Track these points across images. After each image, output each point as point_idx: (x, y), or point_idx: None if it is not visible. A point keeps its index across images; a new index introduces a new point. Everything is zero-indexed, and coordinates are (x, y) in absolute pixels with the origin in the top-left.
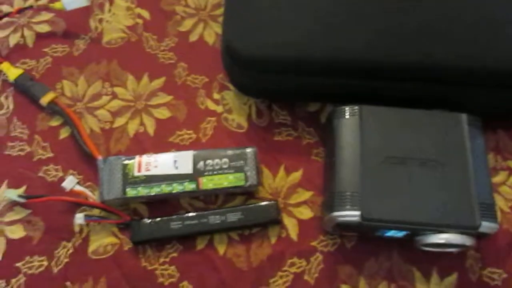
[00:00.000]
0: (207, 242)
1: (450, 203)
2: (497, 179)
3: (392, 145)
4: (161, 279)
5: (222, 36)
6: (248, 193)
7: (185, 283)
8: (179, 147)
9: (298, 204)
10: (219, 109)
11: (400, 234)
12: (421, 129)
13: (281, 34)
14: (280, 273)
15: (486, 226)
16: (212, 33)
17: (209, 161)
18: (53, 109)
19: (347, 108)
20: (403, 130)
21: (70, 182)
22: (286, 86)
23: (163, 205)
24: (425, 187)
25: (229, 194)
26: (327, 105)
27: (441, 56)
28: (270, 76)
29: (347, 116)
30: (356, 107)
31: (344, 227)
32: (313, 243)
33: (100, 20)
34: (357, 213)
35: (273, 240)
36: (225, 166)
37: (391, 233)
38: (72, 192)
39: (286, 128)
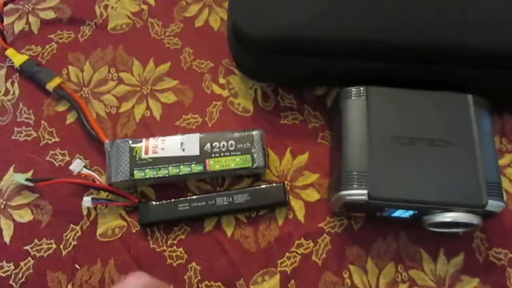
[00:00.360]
0: (214, 224)
1: (457, 182)
2: (502, 161)
3: (399, 125)
4: (169, 261)
5: (228, 18)
6: (254, 176)
7: (193, 264)
8: (185, 131)
9: (304, 187)
10: (225, 93)
11: (407, 214)
12: (428, 110)
13: (287, 15)
14: (287, 254)
15: (493, 204)
16: (217, 19)
17: (215, 143)
18: (59, 94)
19: (353, 89)
20: (410, 110)
21: (77, 165)
22: (292, 68)
23: (170, 188)
24: (432, 167)
25: (236, 176)
26: (333, 89)
27: (450, 37)
28: (276, 58)
29: (353, 97)
30: (363, 88)
31: (352, 207)
32: (321, 225)
33: (106, 7)
34: (364, 192)
35: (280, 222)
36: (231, 148)
37: (398, 213)
38: (79, 175)
39: (292, 112)
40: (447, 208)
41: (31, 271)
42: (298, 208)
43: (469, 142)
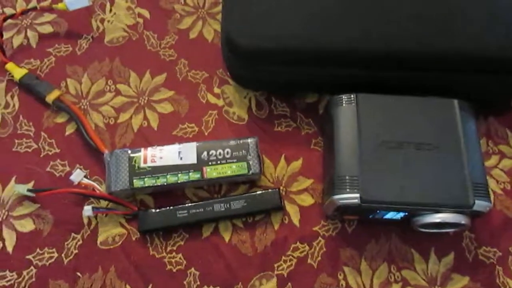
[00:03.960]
0: (212, 230)
1: (445, 184)
2: (489, 162)
3: (388, 130)
4: (169, 267)
5: (222, 29)
6: (250, 182)
7: (192, 269)
8: (182, 140)
9: (299, 192)
10: (220, 102)
11: (398, 216)
12: (416, 115)
13: (278, 26)
14: (284, 258)
15: (480, 204)
16: (211, 30)
17: (212, 152)
18: (58, 106)
19: (344, 97)
20: (398, 116)
21: (78, 175)
22: (284, 77)
23: (168, 196)
24: (421, 169)
25: (232, 183)
26: (324, 96)
27: (433, 45)
28: (269, 67)
29: (344, 104)
30: (353, 95)
31: (344, 210)
32: (315, 228)
33: (102, 20)
34: (357, 195)
35: (276, 227)
36: (228, 156)
37: (390, 215)
38: (80, 185)
39: (286, 119)
40: (436, 209)
41: (33, 279)
42: (293, 213)
43: (455, 145)
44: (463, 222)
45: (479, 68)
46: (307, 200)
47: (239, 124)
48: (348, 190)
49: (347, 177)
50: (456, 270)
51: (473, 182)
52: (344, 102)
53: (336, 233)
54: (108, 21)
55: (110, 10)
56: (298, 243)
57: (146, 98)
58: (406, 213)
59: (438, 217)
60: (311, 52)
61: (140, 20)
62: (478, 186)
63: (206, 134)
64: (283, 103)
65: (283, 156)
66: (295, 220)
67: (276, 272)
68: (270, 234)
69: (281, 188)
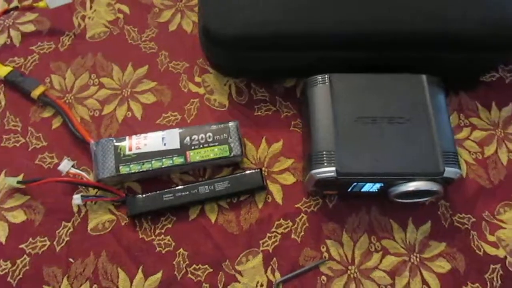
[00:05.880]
0: (199, 212)
1: (416, 154)
2: (461, 134)
3: (362, 106)
4: (158, 249)
5: (199, 20)
6: (233, 165)
7: (181, 250)
8: (166, 128)
9: (281, 172)
10: (201, 91)
11: (375, 188)
12: (387, 91)
13: (252, 14)
14: (268, 234)
15: (450, 171)
16: (189, 22)
17: (194, 136)
18: (44, 101)
19: (318, 77)
20: (370, 93)
21: (65, 165)
22: (261, 63)
23: (155, 182)
24: (394, 142)
25: (216, 166)
26: (301, 80)
27: (402, 25)
28: (246, 54)
29: (318, 85)
30: (326, 76)
31: (323, 185)
32: (298, 205)
33: (83, 17)
34: (333, 169)
35: (260, 205)
36: (210, 140)
37: (367, 188)
38: (68, 175)
39: (265, 104)
40: (409, 178)
41: (27, 267)
42: (276, 192)
43: (425, 117)
44: (435, 189)
45: (446, 46)
46: (289, 179)
47: (221, 111)
48: (325, 164)
49: (324, 153)
50: (433, 237)
51: (443, 151)
52: (318, 82)
53: (317, 209)
54: (89, 17)
55: (91, 7)
56: (281, 220)
57: (129, 90)
58: (382, 184)
59: (411, 186)
60: (286, 37)
61: (120, 16)
62: (448, 155)
63: (188, 121)
64: (262, 89)
65: (264, 138)
66: (278, 198)
67: (261, 248)
68: (255, 213)
69: (264, 168)
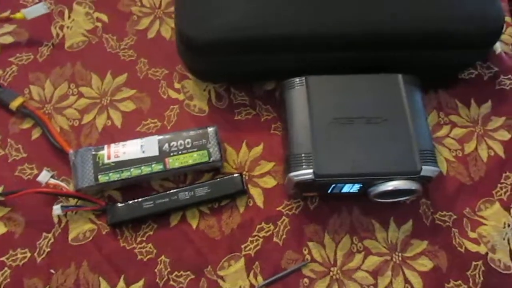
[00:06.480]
0: (180, 218)
1: (394, 153)
2: (441, 132)
3: (339, 107)
4: (140, 257)
5: (175, 27)
6: (214, 170)
7: (162, 257)
8: (146, 136)
9: (262, 175)
10: (181, 97)
11: (355, 188)
12: (364, 91)
13: (227, 18)
14: (250, 239)
15: (427, 170)
16: (168, 29)
17: (173, 143)
18: (23, 112)
19: (294, 80)
20: (347, 94)
21: (44, 176)
22: (239, 67)
23: (135, 189)
24: (371, 142)
25: (197, 172)
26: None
27: (382, 24)
28: (222, 58)
29: (294, 87)
30: (303, 78)
31: (302, 187)
32: (279, 208)
33: (61, 27)
34: (310, 171)
35: (242, 210)
36: (188, 146)
37: (347, 188)
38: (48, 186)
39: (245, 108)
40: (387, 178)
41: (8, 280)
42: (257, 195)
43: (402, 116)
44: (413, 188)
45: (424, 45)
46: (269, 182)
47: (201, 116)
48: (304, 166)
49: (302, 155)
50: (415, 236)
51: (420, 149)
52: (295, 85)
53: (299, 211)
54: (68, 27)
55: (69, 17)
56: (263, 223)
57: (109, 98)
58: (361, 185)
59: (390, 185)
60: (262, 41)
61: (99, 24)
62: (425, 153)
63: (168, 128)
64: (241, 93)
65: (244, 142)
66: (259, 202)
67: (243, 253)
68: (236, 217)
69: (244, 173)
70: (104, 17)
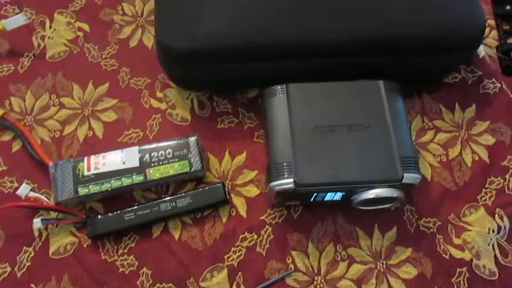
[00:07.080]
0: (162, 229)
1: (375, 161)
2: (425, 137)
3: (320, 115)
4: (121, 269)
5: (155, 36)
6: (196, 179)
7: (144, 269)
8: (128, 146)
9: (244, 184)
10: (163, 106)
11: (337, 196)
12: (345, 98)
13: (205, 28)
14: (233, 249)
15: (409, 177)
16: (150, 37)
17: (154, 153)
18: (3, 124)
19: (274, 88)
20: (328, 101)
21: (24, 189)
22: (219, 75)
23: (117, 201)
24: (353, 150)
25: (179, 182)
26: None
27: (363, 31)
28: (202, 67)
29: (275, 95)
30: (283, 86)
31: (284, 196)
32: (262, 217)
33: (42, 37)
34: (291, 180)
35: (225, 219)
36: (169, 156)
37: (329, 197)
38: (28, 199)
39: (228, 116)
40: (369, 185)
41: None
42: (240, 205)
43: (383, 123)
44: (395, 195)
45: (407, 50)
46: (252, 191)
47: (183, 125)
48: (286, 175)
49: (284, 164)
50: (399, 243)
51: (401, 156)
52: (275, 93)
53: (282, 220)
54: (49, 37)
55: (50, 27)
56: (246, 233)
57: (90, 109)
58: (343, 193)
59: (372, 193)
60: (242, 49)
61: (80, 34)
62: (407, 160)
63: (151, 137)
64: (224, 100)
65: (227, 151)
66: (242, 211)
67: (226, 263)
68: (219, 227)
69: (227, 182)
70: (86, 27)
